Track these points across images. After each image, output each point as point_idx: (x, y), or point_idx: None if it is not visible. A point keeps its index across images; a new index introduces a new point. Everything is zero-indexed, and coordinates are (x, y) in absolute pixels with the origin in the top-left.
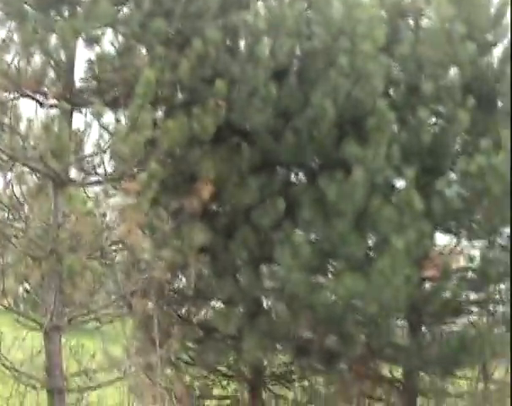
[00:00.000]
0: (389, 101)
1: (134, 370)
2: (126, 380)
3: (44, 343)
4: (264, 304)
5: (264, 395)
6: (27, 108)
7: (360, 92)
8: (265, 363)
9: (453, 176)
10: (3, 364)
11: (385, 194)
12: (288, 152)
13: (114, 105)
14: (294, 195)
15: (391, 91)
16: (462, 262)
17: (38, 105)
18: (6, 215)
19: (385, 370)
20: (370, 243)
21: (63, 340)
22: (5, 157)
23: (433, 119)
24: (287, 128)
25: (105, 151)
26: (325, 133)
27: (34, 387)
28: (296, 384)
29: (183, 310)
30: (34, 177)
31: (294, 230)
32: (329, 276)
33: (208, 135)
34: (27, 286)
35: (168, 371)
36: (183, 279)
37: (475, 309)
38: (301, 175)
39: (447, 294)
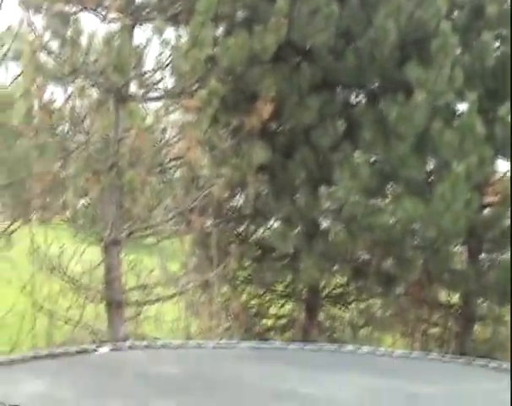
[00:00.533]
0: (452, 24)
1: (191, 286)
2: (183, 296)
3: (103, 257)
4: (322, 225)
5: (321, 316)
6: (88, 22)
7: (423, 13)
8: (322, 284)
9: None
10: (64, 277)
11: (447, 117)
12: (349, 73)
13: (175, 21)
14: (354, 117)
15: (455, 14)
16: None
17: (99, 19)
18: (67, 129)
19: (443, 296)
20: (430, 167)
21: (122, 254)
22: (66, 71)
23: (497, 43)
24: (348, 49)
25: (165, 68)
26: (387, 54)
27: (93, 300)
28: (353, 306)
29: (241, 229)
30: (95, 91)
31: (353, 151)
32: (388, 199)
33: (268, 54)
34: (86, 200)
35: (225, 289)
36: (242, 197)
37: None
38: (361, 96)
39: (507, 221)
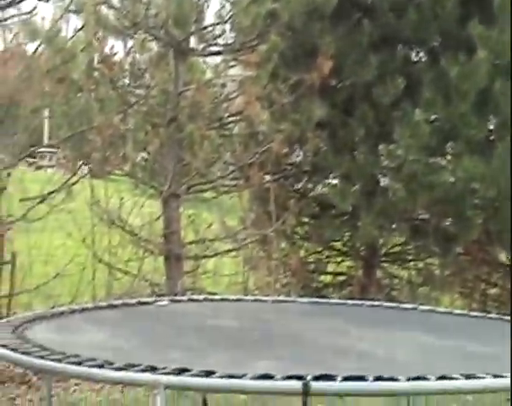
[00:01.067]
0: None
1: (250, 241)
2: (241, 251)
3: (162, 210)
4: (381, 183)
5: (379, 274)
6: None
7: None
8: (380, 241)
9: None
10: (123, 229)
11: (509, 76)
12: (410, 30)
13: None
14: (414, 74)
15: None
16: None
17: None
18: (127, 82)
19: (502, 256)
20: (491, 126)
21: (181, 208)
22: (127, 24)
23: None
24: (410, 5)
25: (226, 22)
26: (449, 11)
27: (152, 253)
28: (411, 265)
29: (300, 185)
30: (155, 45)
31: (414, 109)
32: (448, 157)
33: (329, 9)
34: (146, 153)
35: (283, 245)
36: (300, 153)
37: None
38: (422, 54)
39: None
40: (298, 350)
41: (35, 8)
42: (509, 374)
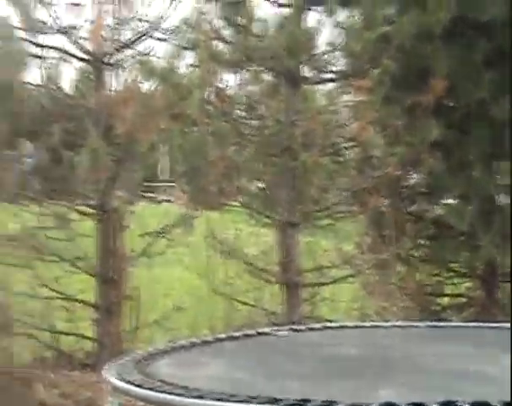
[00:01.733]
0: None
1: (366, 267)
2: (358, 276)
3: (278, 239)
4: (498, 201)
5: (499, 294)
6: (261, 8)
7: None
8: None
9: None
10: (240, 260)
11: None
12: None
13: (347, 2)
14: None
15: None
16: None
17: (271, 4)
18: (242, 113)
19: None
20: None
21: (297, 236)
22: (240, 57)
23: None
24: None
25: (337, 49)
26: None
27: (269, 282)
28: None
29: (415, 207)
30: (268, 75)
31: None
32: None
33: (441, 29)
34: (260, 183)
35: (400, 269)
36: (415, 175)
37: None
38: None
39: None
40: (419, 376)
41: (151, 47)
42: None
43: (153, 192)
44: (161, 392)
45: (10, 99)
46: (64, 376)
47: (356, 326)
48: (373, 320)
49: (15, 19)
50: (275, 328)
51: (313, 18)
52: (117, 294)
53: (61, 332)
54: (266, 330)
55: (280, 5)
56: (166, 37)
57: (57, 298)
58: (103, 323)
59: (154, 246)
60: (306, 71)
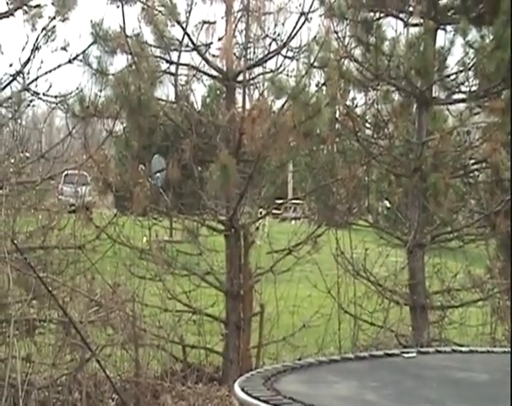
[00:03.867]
0: None
1: (497, 291)
2: (489, 301)
3: (407, 260)
4: None
5: None
6: (391, 28)
7: None
8: None
9: None
10: (368, 280)
11: None
12: None
13: (479, 22)
14: None
15: None
16: None
17: (402, 24)
18: (371, 133)
19: None
20: None
21: (426, 258)
22: (370, 76)
23: None
24: None
25: (469, 69)
26: None
27: (397, 303)
28: None
29: None
30: (398, 95)
31: None
32: None
33: None
34: (387, 203)
35: None
36: None
37: None
38: None
39: None
40: None
41: (280, 65)
42: None
43: (281, 209)
44: None
45: (143, 115)
46: (192, 389)
47: (487, 351)
48: (503, 346)
49: (148, 37)
50: (403, 350)
51: (443, 37)
52: (245, 310)
53: (190, 346)
54: (394, 351)
55: (411, 25)
56: (296, 55)
57: (187, 311)
58: (231, 338)
59: (281, 263)
60: (437, 91)
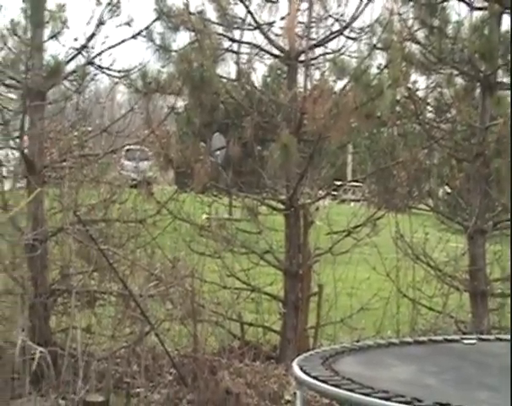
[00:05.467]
0: None
1: None
2: None
3: (468, 246)
4: None
5: None
6: (455, 11)
7: None
8: None
9: None
10: (428, 264)
11: None
12: None
13: None
14: None
15: None
16: None
17: (466, 7)
18: (433, 116)
19: None
20: None
21: (487, 245)
22: (433, 59)
23: None
24: None
25: None
26: None
27: (457, 289)
28: None
29: None
30: (461, 79)
31: None
32: None
33: None
34: (448, 188)
35: None
36: None
37: None
38: None
39: None
40: None
41: (342, 46)
42: None
43: (341, 191)
44: (348, 390)
45: (205, 92)
46: (249, 367)
47: None
48: None
49: (211, 14)
50: (463, 336)
51: (508, 21)
52: (303, 290)
53: (248, 324)
54: (453, 337)
55: (476, 8)
56: (358, 36)
57: (245, 289)
58: (289, 317)
59: (339, 245)
60: (501, 76)
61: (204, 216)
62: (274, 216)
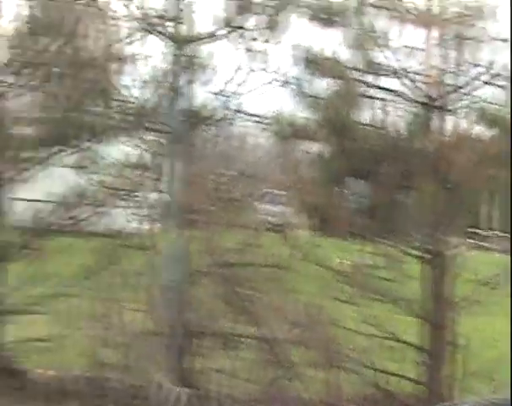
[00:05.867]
0: None
1: None
2: None
3: None
4: None
5: None
6: None
7: None
8: None
9: None
10: None
11: None
12: None
13: None
14: None
15: None
16: None
17: None
18: None
19: None
20: None
21: None
22: None
23: None
24: None
25: None
26: None
27: None
28: None
29: None
30: None
31: None
32: None
33: None
34: None
35: None
36: None
37: None
38: None
39: None
40: None
41: (484, 93)
42: None
43: (482, 240)
44: None
45: (347, 138)
46: None
47: None
48: None
49: (347, 59)
50: None
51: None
52: (444, 340)
53: (385, 372)
54: None
55: None
56: (498, 82)
57: (383, 337)
58: (430, 367)
59: (479, 294)
60: None
61: (340, 261)
62: (410, 264)
